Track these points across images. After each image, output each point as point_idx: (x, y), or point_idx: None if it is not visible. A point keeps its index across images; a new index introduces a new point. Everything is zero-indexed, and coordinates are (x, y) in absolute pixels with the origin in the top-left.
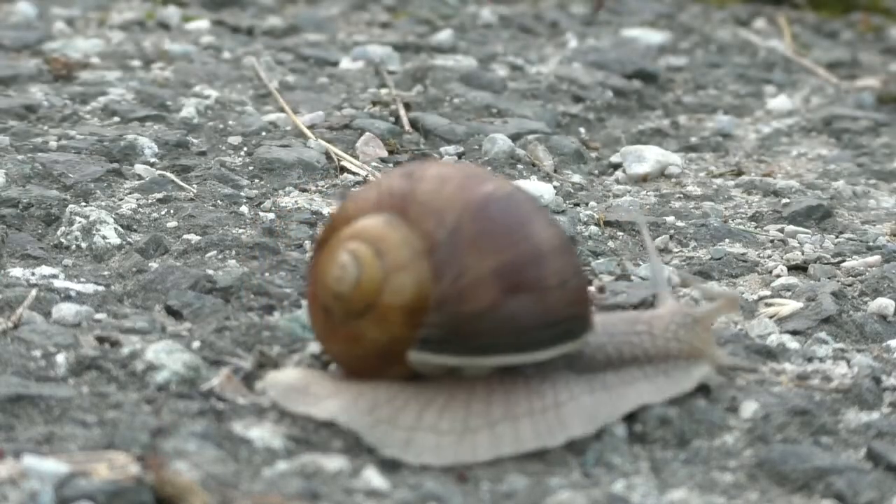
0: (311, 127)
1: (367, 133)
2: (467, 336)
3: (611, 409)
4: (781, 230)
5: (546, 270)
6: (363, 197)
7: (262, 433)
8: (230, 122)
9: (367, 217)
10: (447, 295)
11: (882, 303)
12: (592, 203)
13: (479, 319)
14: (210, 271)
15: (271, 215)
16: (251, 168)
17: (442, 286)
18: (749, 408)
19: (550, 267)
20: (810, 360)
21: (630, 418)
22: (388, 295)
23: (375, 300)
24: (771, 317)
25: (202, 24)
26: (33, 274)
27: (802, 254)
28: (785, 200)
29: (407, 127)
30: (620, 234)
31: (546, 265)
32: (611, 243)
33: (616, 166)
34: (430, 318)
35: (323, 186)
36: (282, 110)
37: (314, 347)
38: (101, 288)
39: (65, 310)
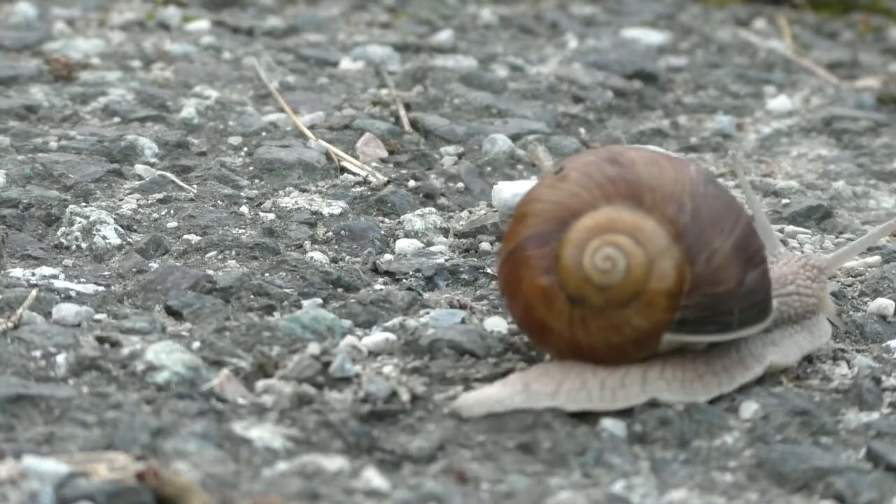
0: (311, 127)
1: (368, 133)
2: (720, 314)
3: (784, 361)
4: (781, 230)
5: (759, 242)
6: (580, 187)
7: (262, 433)
8: (230, 123)
9: (602, 208)
10: (702, 277)
11: (882, 303)
12: None
13: (730, 297)
14: (210, 271)
15: (271, 216)
16: (251, 168)
17: (696, 269)
18: (749, 408)
19: (759, 239)
20: (810, 360)
21: (630, 418)
22: (654, 282)
23: (642, 288)
24: None
25: (202, 24)
26: (33, 274)
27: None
28: (785, 201)
29: (407, 127)
30: None
31: (757, 238)
32: None
33: None
34: (687, 300)
35: (323, 187)
36: (282, 111)
37: (314, 348)
38: (101, 288)
39: (65, 310)
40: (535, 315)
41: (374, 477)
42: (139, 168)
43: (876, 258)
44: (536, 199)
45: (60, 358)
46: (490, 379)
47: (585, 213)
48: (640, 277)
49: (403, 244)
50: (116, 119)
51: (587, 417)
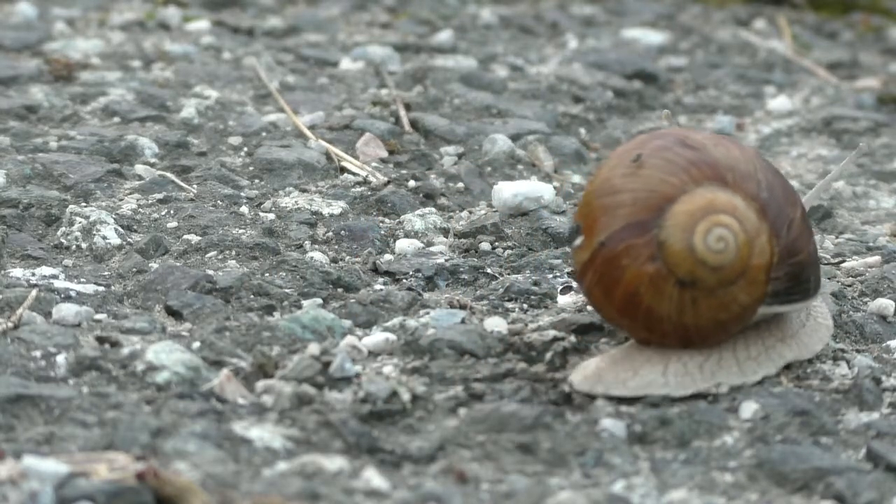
0: (311, 127)
1: (368, 133)
2: (801, 282)
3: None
4: None
5: (805, 211)
6: (667, 173)
7: (262, 433)
8: (230, 123)
9: (694, 190)
10: (786, 248)
11: (882, 303)
12: None
13: (807, 265)
14: (210, 272)
15: (271, 216)
16: (251, 168)
17: (781, 241)
18: (749, 408)
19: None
20: (810, 360)
21: (630, 418)
22: (756, 258)
23: (748, 265)
24: None
25: (202, 24)
26: (33, 274)
27: None
28: None
29: (407, 127)
30: None
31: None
32: None
33: None
34: (776, 272)
35: (323, 187)
36: (282, 111)
37: (314, 348)
38: (101, 288)
39: (65, 310)
40: (641, 302)
41: (374, 477)
42: (139, 168)
43: (876, 258)
44: (619, 189)
45: (60, 358)
46: (490, 379)
47: (679, 198)
48: (746, 255)
49: (403, 244)
50: (116, 119)
51: (587, 417)
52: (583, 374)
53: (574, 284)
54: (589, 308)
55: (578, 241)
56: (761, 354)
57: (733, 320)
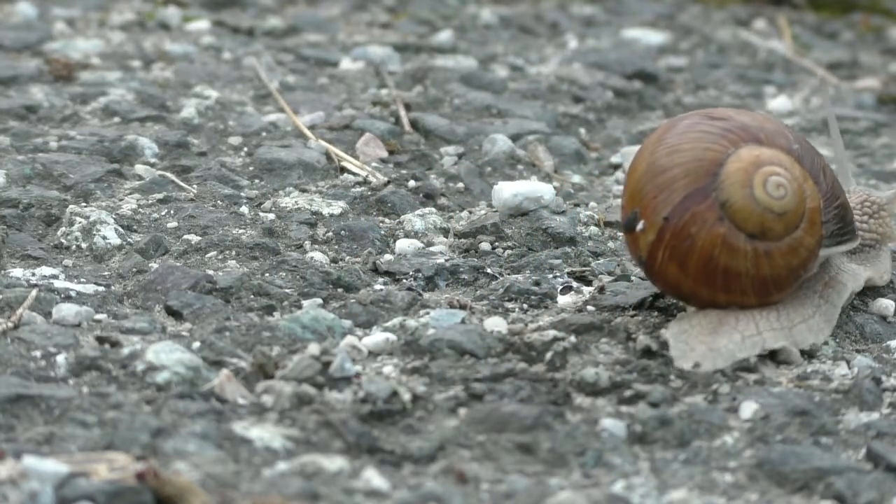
0: (311, 127)
1: (368, 133)
2: (846, 223)
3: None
4: None
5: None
6: (707, 143)
7: (262, 433)
8: (230, 123)
9: (738, 150)
10: (827, 193)
11: (882, 303)
12: (592, 203)
13: (847, 207)
14: (210, 272)
15: (271, 216)
16: (251, 168)
17: (821, 187)
18: (749, 408)
19: None
20: (810, 360)
21: (630, 418)
22: (809, 201)
23: (805, 207)
24: None
25: (202, 24)
26: (33, 274)
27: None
28: None
29: (407, 127)
30: (620, 234)
31: None
32: (611, 244)
33: (616, 167)
34: (825, 215)
35: (323, 187)
36: (282, 111)
37: (314, 348)
38: (101, 288)
39: (65, 310)
40: (718, 265)
41: (374, 477)
42: (139, 168)
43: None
44: (667, 167)
45: (60, 358)
46: (490, 379)
47: (727, 160)
48: (802, 198)
49: (403, 244)
50: (116, 119)
51: (587, 417)
52: (693, 358)
53: (574, 284)
54: (590, 307)
55: (640, 225)
56: (821, 306)
57: (803, 265)
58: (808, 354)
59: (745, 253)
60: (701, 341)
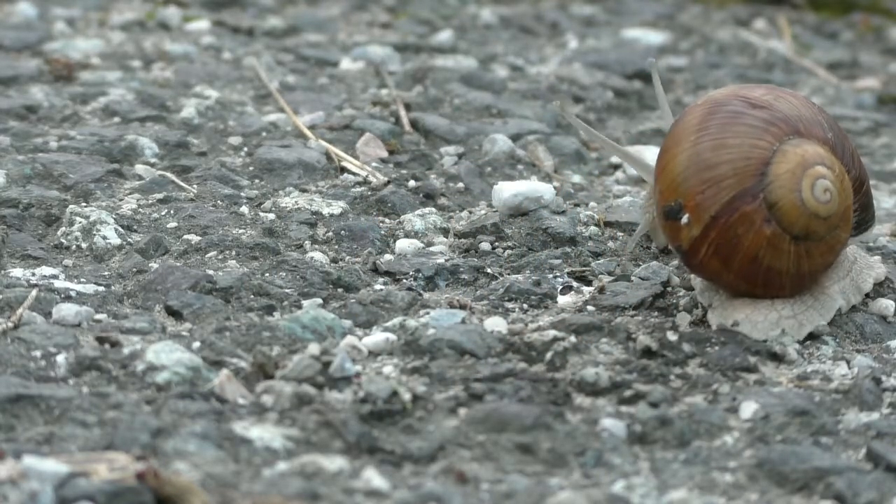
0: (311, 127)
1: (368, 133)
2: (869, 208)
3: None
4: None
5: None
6: (754, 138)
7: (262, 433)
8: (230, 123)
9: (782, 148)
10: (856, 181)
11: (882, 303)
12: (592, 203)
13: (870, 194)
14: (210, 272)
15: (271, 216)
16: (251, 168)
17: (852, 175)
18: (749, 408)
19: None
20: (810, 360)
21: (630, 418)
22: (847, 197)
23: (845, 205)
24: None
25: (202, 24)
26: (33, 274)
27: None
28: None
29: (407, 127)
30: (620, 234)
31: None
32: (611, 243)
33: (616, 167)
34: (854, 205)
35: (323, 187)
36: (282, 111)
37: (314, 348)
38: (101, 288)
39: (65, 310)
40: (761, 264)
41: (374, 477)
42: (139, 168)
43: (876, 258)
44: (714, 162)
45: (60, 358)
46: (490, 379)
47: (772, 159)
48: (844, 197)
49: (403, 244)
50: (116, 119)
51: (587, 417)
52: (734, 317)
53: (574, 284)
54: (590, 307)
55: (685, 219)
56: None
57: (836, 256)
58: (808, 354)
59: (789, 253)
60: (740, 311)
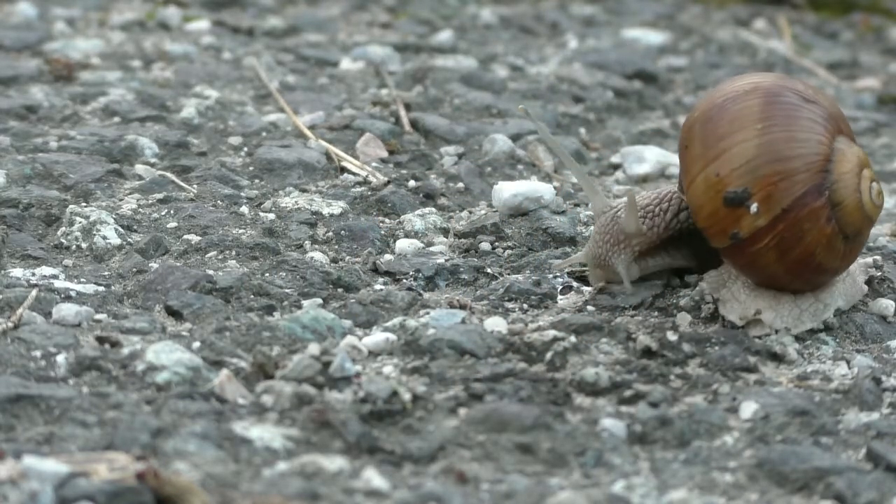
0: (311, 127)
1: (368, 133)
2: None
3: None
4: None
5: None
6: (818, 134)
7: (262, 433)
8: (230, 123)
9: (838, 146)
10: None
11: (882, 303)
12: None
13: None
14: (210, 272)
15: (271, 216)
16: (251, 168)
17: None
18: (749, 408)
19: None
20: (810, 360)
21: (630, 418)
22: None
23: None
24: None
25: (202, 24)
26: (33, 274)
27: None
28: None
29: (407, 127)
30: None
31: None
32: None
33: (616, 167)
34: None
35: (323, 187)
36: (282, 111)
37: (314, 348)
38: (101, 288)
39: (65, 310)
40: (814, 260)
41: (374, 477)
42: (139, 168)
43: (876, 258)
44: (787, 155)
45: (60, 358)
46: (490, 379)
47: (833, 158)
48: (883, 200)
49: (403, 244)
50: (116, 119)
51: (587, 417)
52: (755, 306)
53: (574, 284)
54: (590, 307)
55: (754, 207)
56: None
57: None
58: (808, 354)
59: (839, 252)
60: (760, 302)
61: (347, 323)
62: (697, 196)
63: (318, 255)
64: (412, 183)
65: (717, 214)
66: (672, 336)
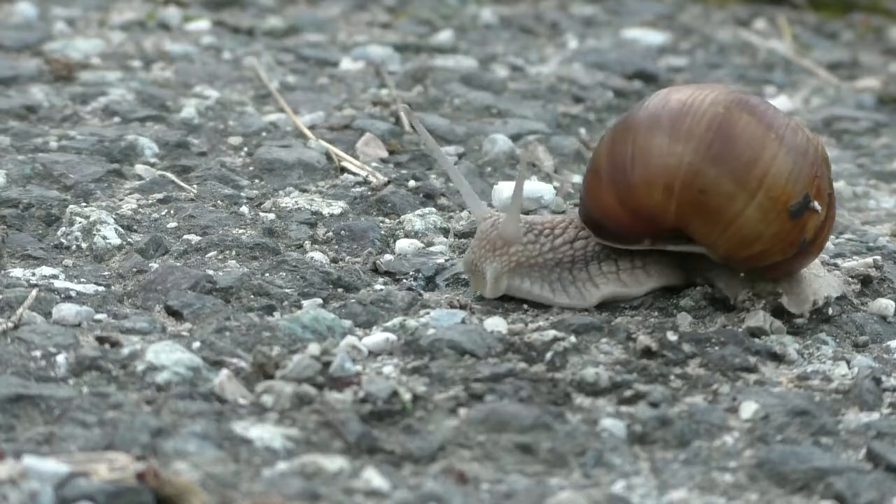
0: (311, 127)
1: (368, 133)
2: None
3: None
4: None
5: None
6: (795, 127)
7: (262, 433)
8: (230, 123)
9: None
10: None
11: (882, 303)
12: None
13: None
14: (210, 272)
15: (271, 216)
16: (251, 168)
17: None
18: (749, 408)
19: None
20: (810, 360)
21: (630, 418)
22: None
23: None
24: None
25: (202, 24)
26: (34, 274)
27: None
28: None
29: (407, 127)
30: None
31: None
32: None
33: None
34: None
35: (323, 187)
36: (282, 111)
37: (314, 348)
38: (101, 288)
39: (65, 310)
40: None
41: (374, 477)
42: (139, 168)
43: (876, 258)
44: (804, 149)
45: (60, 358)
46: (490, 379)
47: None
48: None
49: (403, 244)
50: (116, 119)
51: (587, 417)
52: (812, 297)
53: None
54: (590, 307)
55: (816, 204)
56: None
57: None
58: (808, 354)
59: None
60: (814, 284)
61: (347, 323)
62: (752, 228)
63: (318, 255)
64: (412, 183)
65: (783, 232)
66: (672, 336)
